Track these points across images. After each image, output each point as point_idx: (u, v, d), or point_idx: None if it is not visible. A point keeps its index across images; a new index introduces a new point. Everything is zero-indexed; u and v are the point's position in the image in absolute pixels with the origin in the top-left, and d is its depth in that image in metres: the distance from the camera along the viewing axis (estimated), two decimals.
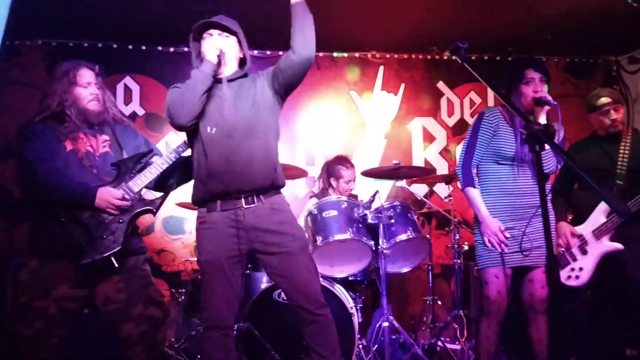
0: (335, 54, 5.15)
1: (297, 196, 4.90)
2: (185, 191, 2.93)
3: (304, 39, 2.40)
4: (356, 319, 3.42)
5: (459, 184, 2.96)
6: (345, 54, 5.18)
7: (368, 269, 3.65)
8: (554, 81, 2.91)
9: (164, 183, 2.69)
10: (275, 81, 2.51)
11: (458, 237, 3.95)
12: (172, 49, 4.84)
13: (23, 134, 2.50)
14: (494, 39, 4.86)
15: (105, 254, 2.38)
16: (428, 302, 4.10)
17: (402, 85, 5.23)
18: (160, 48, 4.85)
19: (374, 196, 3.68)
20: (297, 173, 3.92)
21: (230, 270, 2.42)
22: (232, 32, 2.54)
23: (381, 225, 3.47)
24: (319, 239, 3.40)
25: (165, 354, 3.49)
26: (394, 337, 3.66)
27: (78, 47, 4.68)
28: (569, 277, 3.17)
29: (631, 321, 3.25)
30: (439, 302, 4.12)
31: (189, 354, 3.68)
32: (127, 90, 4.83)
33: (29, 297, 2.43)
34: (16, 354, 2.43)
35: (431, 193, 5.07)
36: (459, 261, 3.94)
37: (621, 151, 3.21)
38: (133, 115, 4.77)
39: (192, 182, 2.56)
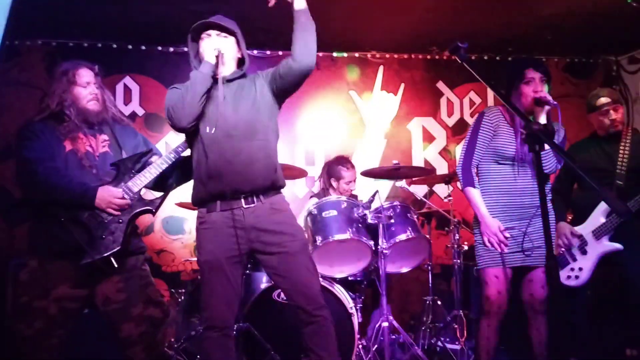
0: (335, 54, 5.15)
1: (297, 196, 4.90)
2: (185, 191, 2.93)
3: (305, 47, 2.39)
4: (356, 319, 3.41)
5: (458, 184, 2.96)
6: (345, 54, 5.18)
7: (368, 269, 3.65)
8: (554, 81, 2.91)
9: (163, 183, 2.69)
10: (274, 85, 2.51)
11: (458, 237, 3.94)
12: (171, 49, 4.84)
13: (23, 134, 2.50)
14: (493, 39, 4.86)
15: (105, 254, 2.38)
16: (428, 302, 4.10)
17: (402, 85, 5.23)
18: (160, 48, 4.85)
19: (373, 196, 3.68)
20: (297, 173, 3.92)
21: (230, 270, 2.42)
22: (231, 32, 2.53)
23: (381, 225, 3.47)
24: (319, 239, 3.40)
25: (165, 354, 3.49)
26: (393, 337, 3.66)
27: (78, 47, 4.68)
28: (569, 277, 3.17)
29: (631, 321, 3.26)
30: (439, 302, 4.12)
31: (188, 354, 3.68)
32: (127, 90, 4.83)
33: (29, 297, 2.43)
34: (16, 354, 2.43)
35: (431, 193, 5.06)
36: (458, 261, 3.93)
37: (621, 151, 3.22)
38: (133, 115, 4.77)
39: (191, 182, 2.56)
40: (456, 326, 3.81)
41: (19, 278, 2.55)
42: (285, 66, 2.43)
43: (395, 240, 3.52)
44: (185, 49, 2.60)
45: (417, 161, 5.17)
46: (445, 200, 4.19)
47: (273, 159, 2.51)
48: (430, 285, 4.16)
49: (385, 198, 4.90)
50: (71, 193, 2.40)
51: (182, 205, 4.08)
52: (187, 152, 2.61)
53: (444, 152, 5.25)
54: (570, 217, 3.37)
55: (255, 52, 4.89)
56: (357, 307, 3.53)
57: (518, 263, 2.81)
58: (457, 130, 5.25)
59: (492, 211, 2.81)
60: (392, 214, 3.57)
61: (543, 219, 1.79)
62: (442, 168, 5.17)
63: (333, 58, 5.15)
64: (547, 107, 2.72)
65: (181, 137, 2.64)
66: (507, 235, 2.76)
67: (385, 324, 3.42)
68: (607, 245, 3.13)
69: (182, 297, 4.00)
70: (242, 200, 2.42)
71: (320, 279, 3.36)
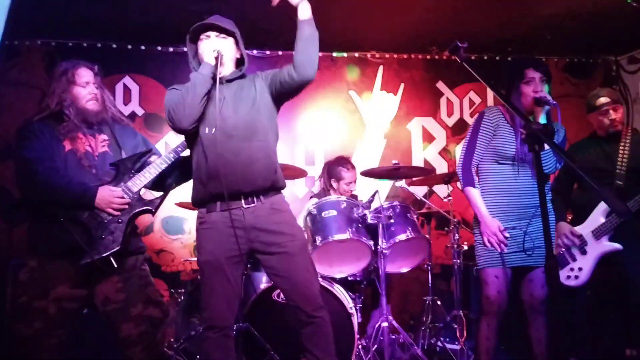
0: (334, 54, 5.15)
1: (297, 196, 4.90)
2: (184, 191, 2.93)
3: (307, 58, 2.38)
4: (355, 319, 3.41)
5: (458, 184, 2.96)
6: (345, 54, 5.18)
7: (367, 269, 3.65)
8: (554, 81, 2.91)
9: (162, 183, 2.69)
10: (273, 89, 2.51)
11: (457, 237, 3.94)
12: (171, 49, 4.84)
13: (22, 134, 2.50)
14: (493, 39, 4.86)
15: (105, 254, 2.38)
16: (427, 302, 4.09)
17: (402, 85, 5.23)
18: (159, 48, 4.85)
19: (373, 196, 3.68)
20: (296, 173, 3.92)
21: (230, 270, 2.42)
22: (229, 33, 2.53)
23: (380, 225, 3.47)
24: (318, 239, 3.40)
25: (165, 354, 3.49)
26: (393, 337, 3.66)
27: (77, 47, 4.67)
28: (568, 277, 3.17)
29: (631, 321, 3.25)
30: (439, 302, 4.12)
31: (188, 354, 3.68)
32: (127, 90, 4.82)
33: (29, 297, 2.43)
34: (16, 354, 2.43)
35: (430, 193, 5.07)
36: (458, 261, 3.93)
37: (620, 151, 3.21)
38: (132, 115, 4.76)
39: (191, 182, 2.55)
40: (456, 326, 3.81)
41: (18, 278, 2.54)
42: (286, 74, 2.43)
43: (395, 240, 3.52)
44: (185, 49, 2.60)
45: (417, 161, 5.16)
46: (445, 200, 4.18)
47: (273, 160, 2.51)
48: (430, 285, 4.16)
49: (385, 198, 4.90)
50: (71, 193, 2.40)
51: (181, 205, 4.08)
52: (187, 152, 2.60)
53: (444, 152, 5.25)
54: (570, 217, 3.37)
55: (255, 52, 4.89)
56: (357, 307, 3.53)
57: (518, 263, 2.81)
58: (457, 130, 5.25)
59: (492, 211, 2.81)
60: (391, 214, 3.57)
61: (543, 219, 1.79)
62: (441, 168, 5.17)
63: (333, 58, 5.14)
64: (547, 107, 2.72)
65: (180, 137, 2.63)
66: (507, 235, 2.76)
67: (385, 324, 3.42)
68: (607, 245, 3.12)
69: (182, 297, 4.00)
70: (242, 200, 2.42)
71: (320, 279, 3.37)
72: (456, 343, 3.79)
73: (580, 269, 3.15)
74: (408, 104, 5.23)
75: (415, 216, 3.74)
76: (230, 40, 2.54)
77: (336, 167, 4.06)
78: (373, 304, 4.11)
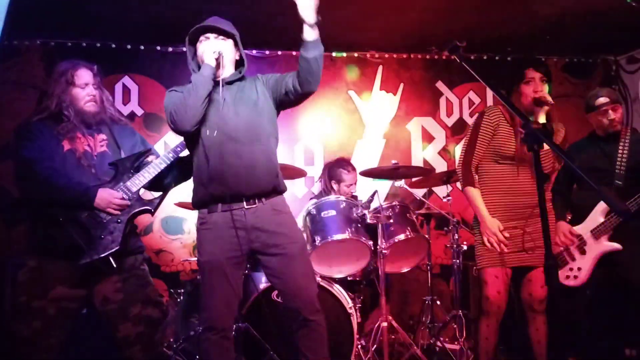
0: (334, 54, 5.14)
1: (297, 196, 4.89)
2: (184, 191, 2.93)
3: (312, 77, 2.38)
4: (355, 319, 3.41)
5: (458, 184, 2.96)
6: (344, 54, 5.17)
7: (367, 269, 3.65)
8: (553, 81, 2.91)
9: (161, 183, 2.68)
10: (275, 95, 2.52)
11: (457, 237, 3.93)
12: (170, 49, 4.83)
13: (21, 134, 2.50)
14: (493, 39, 4.85)
15: (104, 254, 2.38)
16: (427, 302, 4.09)
17: (401, 85, 5.23)
18: (158, 48, 4.84)
19: (372, 196, 3.68)
20: (296, 173, 3.92)
21: (230, 271, 2.42)
22: (229, 35, 2.52)
23: (380, 225, 3.46)
24: (318, 239, 3.40)
25: (164, 354, 3.48)
26: (392, 337, 3.65)
27: (76, 47, 4.66)
28: (568, 277, 3.16)
29: (631, 321, 3.25)
30: (438, 302, 4.11)
31: (187, 354, 3.67)
32: (126, 90, 4.82)
33: (28, 297, 2.43)
34: (15, 354, 2.43)
35: (430, 193, 5.06)
36: (458, 261, 3.93)
37: (620, 151, 3.21)
38: (132, 115, 4.75)
39: (191, 182, 2.55)
40: (455, 326, 3.80)
41: (17, 278, 2.54)
42: (291, 85, 2.44)
43: (394, 240, 3.52)
44: (184, 49, 2.60)
45: (416, 161, 5.16)
46: (445, 200, 4.18)
47: (274, 164, 2.51)
48: (429, 285, 4.15)
49: (384, 198, 4.89)
50: (71, 193, 2.40)
51: (181, 205, 4.07)
52: (186, 152, 2.60)
53: (443, 152, 5.25)
54: (569, 217, 3.37)
55: (254, 52, 4.88)
56: (356, 307, 3.52)
57: (517, 263, 2.81)
58: (457, 130, 5.25)
59: (492, 211, 2.81)
60: (391, 214, 3.56)
61: (542, 219, 1.79)
62: (441, 168, 5.16)
63: (332, 58, 5.14)
64: (546, 107, 2.72)
65: (180, 137, 2.63)
66: (507, 235, 2.76)
67: (385, 324, 3.41)
68: (606, 245, 3.12)
69: (181, 297, 3.99)
70: (244, 202, 2.42)
71: (319, 279, 3.38)
72: (455, 343, 3.79)
73: (579, 268, 3.15)
74: (407, 103, 5.23)
75: (414, 216, 3.74)
76: (230, 42, 2.53)
77: (337, 169, 4.05)
78: (372, 304, 4.11)
